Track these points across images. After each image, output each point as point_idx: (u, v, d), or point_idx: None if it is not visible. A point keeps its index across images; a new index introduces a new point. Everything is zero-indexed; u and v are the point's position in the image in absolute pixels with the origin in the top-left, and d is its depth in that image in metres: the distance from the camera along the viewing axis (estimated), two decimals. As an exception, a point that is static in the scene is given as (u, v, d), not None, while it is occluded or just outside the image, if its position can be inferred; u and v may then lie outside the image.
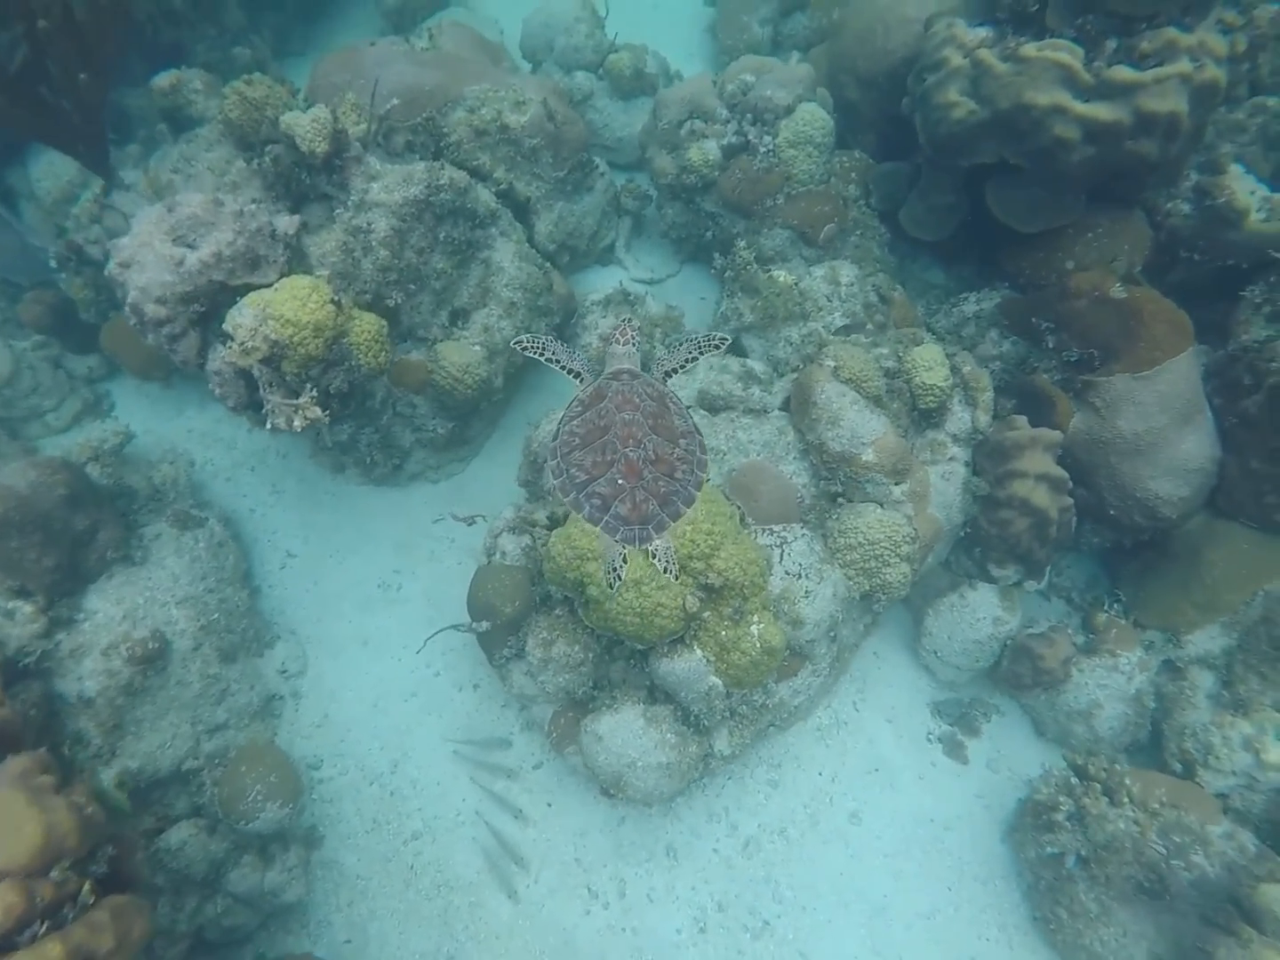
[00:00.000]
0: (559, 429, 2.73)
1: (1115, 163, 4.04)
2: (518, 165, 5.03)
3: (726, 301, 5.01)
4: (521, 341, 2.97)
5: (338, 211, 4.19)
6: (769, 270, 4.88)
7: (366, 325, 3.73)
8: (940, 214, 5.00)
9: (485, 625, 4.09)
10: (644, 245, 6.13)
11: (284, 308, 3.40)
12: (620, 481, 2.52)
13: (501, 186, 4.96)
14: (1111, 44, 3.99)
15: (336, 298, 3.56)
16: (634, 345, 2.94)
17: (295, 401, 3.41)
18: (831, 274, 4.80)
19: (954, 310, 4.99)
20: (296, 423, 3.42)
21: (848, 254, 5.19)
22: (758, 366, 4.58)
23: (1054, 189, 4.33)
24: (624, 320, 3.02)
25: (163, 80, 4.74)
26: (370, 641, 4.81)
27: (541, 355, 2.97)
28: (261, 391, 3.43)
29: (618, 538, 2.51)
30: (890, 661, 4.62)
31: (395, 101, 4.46)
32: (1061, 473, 3.98)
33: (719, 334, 3.04)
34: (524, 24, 6.51)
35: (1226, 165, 4.33)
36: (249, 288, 3.66)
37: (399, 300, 4.38)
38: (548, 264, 5.21)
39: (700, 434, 2.76)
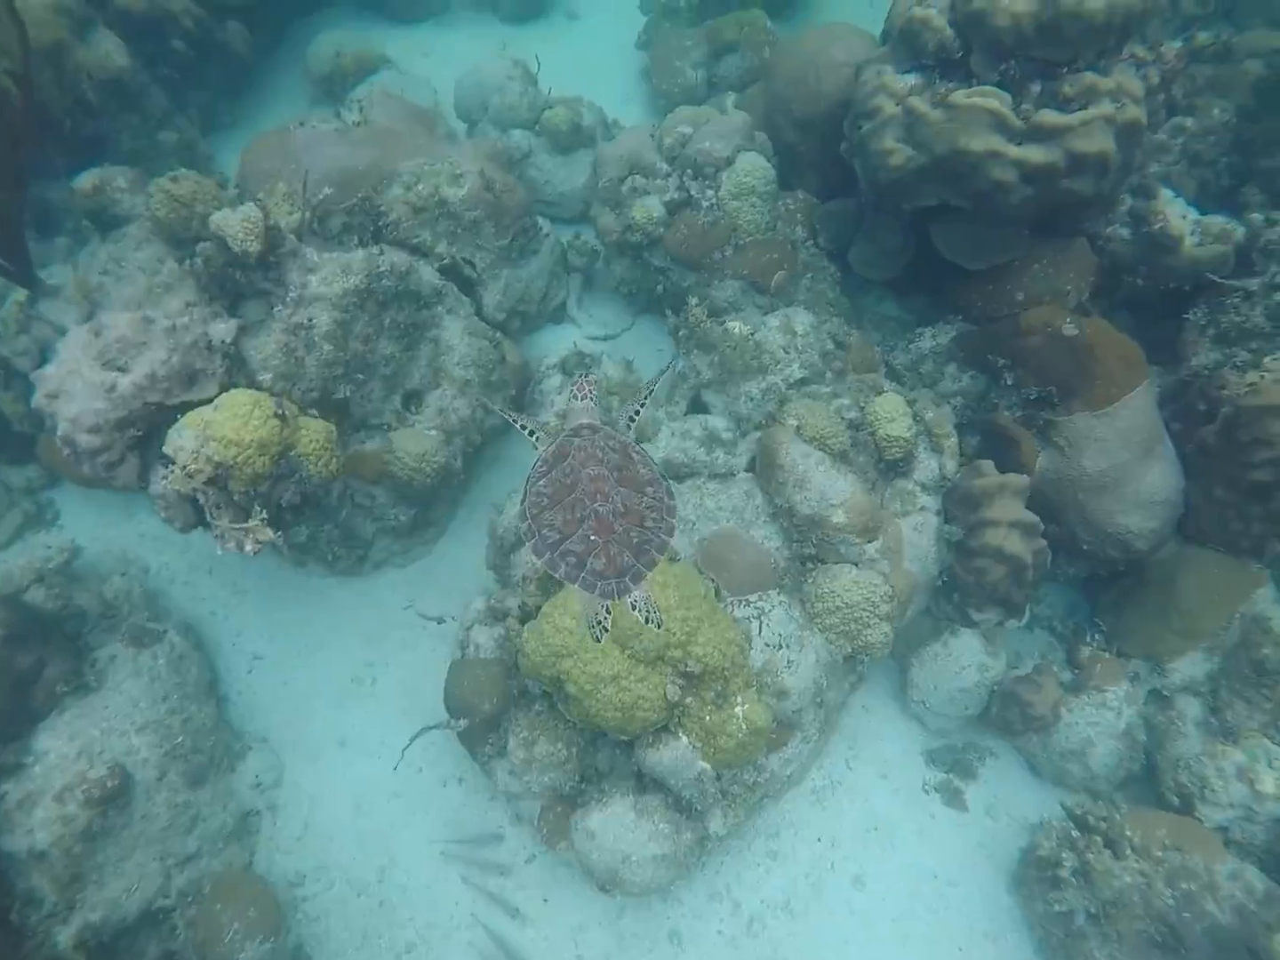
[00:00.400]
0: (526, 490, 2.74)
1: (1053, 200, 4.07)
2: (459, 239, 4.94)
3: (683, 359, 4.95)
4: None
5: (276, 309, 4.05)
6: (723, 322, 4.83)
7: (314, 434, 3.59)
8: (889, 255, 5.01)
9: (463, 723, 3.96)
10: (596, 300, 6.05)
11: (225, 428, 3.26)
12: (592, 537, 2.54)
13: (445, 262, 4.86)
14: (1035, 87, 4.03)
15: (280, 410, 3.42)
16: (591, 399, 3.00)
17: (245, 525, 3.27)
18: (786, 324, 4.76)
19: (911, 346, 4.98)
20: (248, 547, 3.27)
21: (801, 298, 5.17)
22: (720, 424, 4.52)
23: (997, 227, 4.36)
24: (581, 375, 3.07)
25: (84, 183, 4.59)
26: (347, 741, 4.63)
27: (498, 407, 3.14)
28: (208, 517, 3.28)
29: (596, 593, 2.51)
30: (880, 714, 4.55)
31: (328, 190, 4.35)
32: (1032, 517, 3.96)
33: (666, 365, 3.24)
34: (456, 86, 6.45)
35: (1157, 189, 4.39)
36: (188, 405, 3.51)
37: (348, 393, 4.26)
38: (498, 334, 5.11)
39: (666, 479, 2.81)
